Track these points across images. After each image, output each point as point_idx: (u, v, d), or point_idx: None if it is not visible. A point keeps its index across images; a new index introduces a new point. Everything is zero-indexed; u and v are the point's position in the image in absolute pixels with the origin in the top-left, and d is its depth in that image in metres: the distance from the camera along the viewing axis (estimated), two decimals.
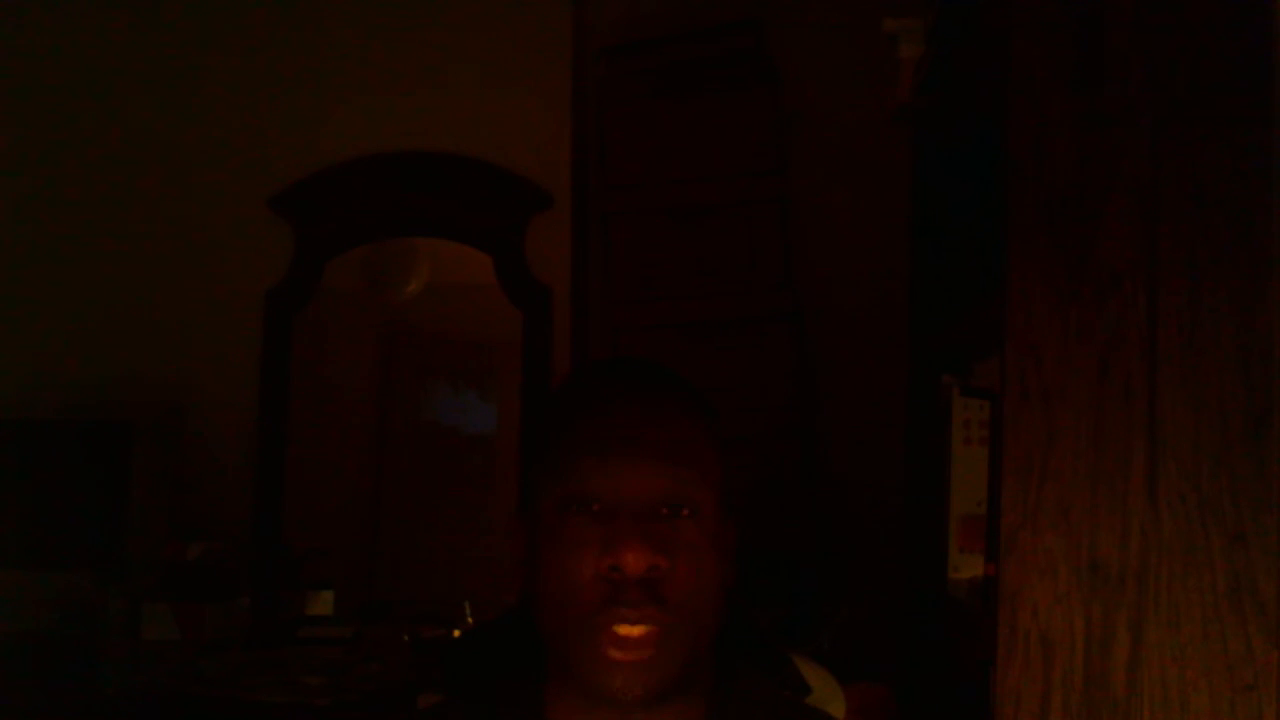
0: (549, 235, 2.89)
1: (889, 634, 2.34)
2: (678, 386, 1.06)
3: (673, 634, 0.96)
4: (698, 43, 2.81)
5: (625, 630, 0.94)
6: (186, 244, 2.99)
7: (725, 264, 2.71)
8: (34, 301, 3.00)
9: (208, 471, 2.92)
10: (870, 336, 2.69)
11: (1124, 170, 1.24)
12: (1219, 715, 1.19)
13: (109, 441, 2.80)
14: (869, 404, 2.70)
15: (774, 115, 2.74)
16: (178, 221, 2.99)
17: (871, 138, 2.62)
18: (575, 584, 0.96)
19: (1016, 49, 1.27)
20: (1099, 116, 1.24)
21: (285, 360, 2.94)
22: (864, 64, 2.38)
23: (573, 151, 2.90)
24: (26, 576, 2.70)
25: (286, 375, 2.94)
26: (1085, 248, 1.24)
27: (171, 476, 2.88)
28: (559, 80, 2.90)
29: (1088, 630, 1.21)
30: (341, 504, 3.10)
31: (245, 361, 2.94)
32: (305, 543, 2.90)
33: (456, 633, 2.64)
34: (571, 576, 0.96)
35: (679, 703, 1.00)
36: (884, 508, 2.50)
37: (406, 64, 2.95)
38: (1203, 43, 1.23)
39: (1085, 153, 1.25)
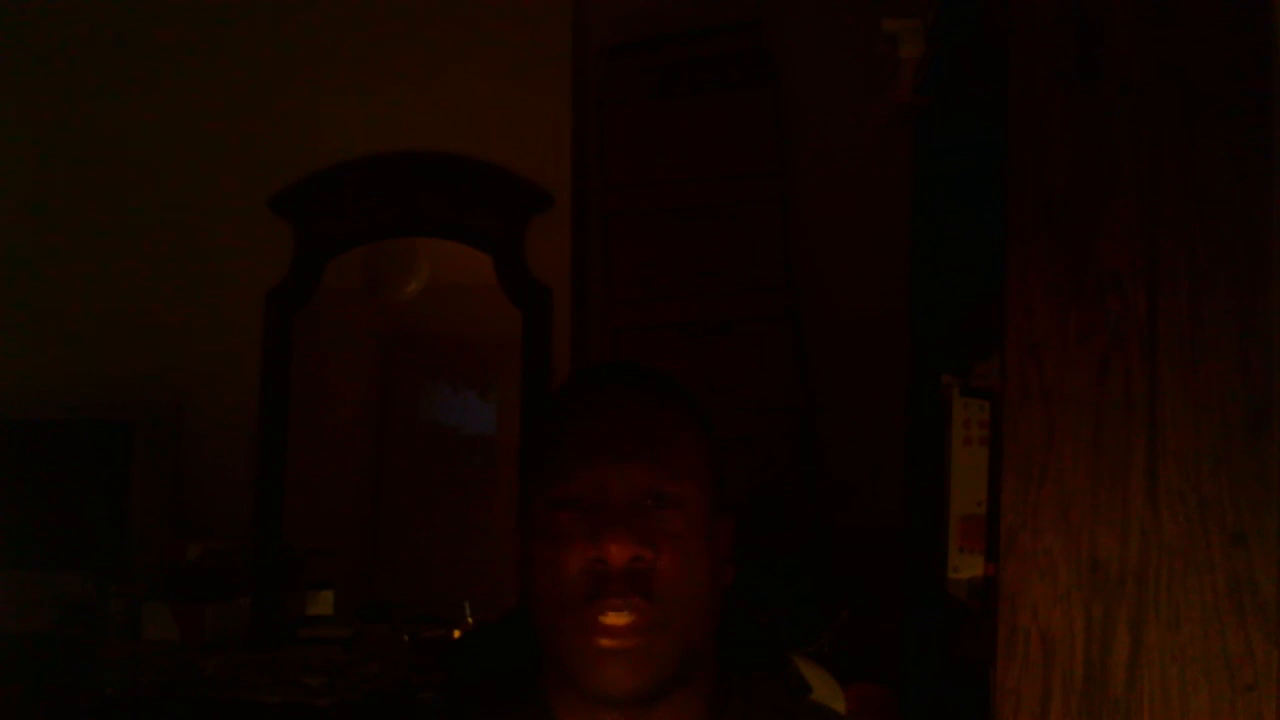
0: (549, 235, 2.89)
1: (889, 634, 2.34)
2: (663, 385, 1.07)
3: (660, 626, 0.96)
4: (698, 43, 2.81)
5: (613, 619, 0.95)
6: (186, 244, 2.99)
7: (725, 264, 2.71)
8: (34, 301, 3.00)
9: (208, 471, 2.92)
10: (870, 336, 2.69)
11: (1124, 170, 1.24)
12: (1219, 715, 1.19)
13: (109, 441, 2.80)
14: (869, 404, 2.70)
15: (774, 115, 2.75)
16: (178, 221, 2.99)
17: (871, 138, 2.62)
18: (563, 578, 0.97)
19: (1016, 49, 1.27)
20: (1099, 116, 1.24)
21: (285, 360, 2.94)
22: (864, 64, 2.38)
23: (573, 151, 2.90)
24: (26, 576, 2.70)
25: (286, 375, 2.93)
26: (1085, 248, 1.24)
27: (171, 476, 2.88)
28: (559, 80, 2.90)
29: (1088, 630, 1.21)
30: (341, 504, 3.10)
31: (245, 361, 2.94)
32: (305, 543, 2.90)
33: (456, 633, 2.64)
34: (559, 570, 0.98)
35: (679, 700, 1.00)
36: (884, 508, 2.50)
37: (406, 64, 2.95)
38: (1203, 43, 1.23)
39: (1085, 153, 1.25)
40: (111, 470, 2.79)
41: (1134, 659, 1.20)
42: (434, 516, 3.07)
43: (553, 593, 0.98)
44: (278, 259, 2.96)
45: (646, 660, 0.96)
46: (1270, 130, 1.22)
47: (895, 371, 2.39)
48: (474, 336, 3.12)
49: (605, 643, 0.96)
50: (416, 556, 3.04)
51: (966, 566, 1.66)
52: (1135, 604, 1.20)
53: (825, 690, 1.69)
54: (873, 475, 2.66)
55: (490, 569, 2.83)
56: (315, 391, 3.02)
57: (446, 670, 2.15)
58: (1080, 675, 1.21)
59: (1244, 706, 1.18)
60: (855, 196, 2.79)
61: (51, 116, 3.04)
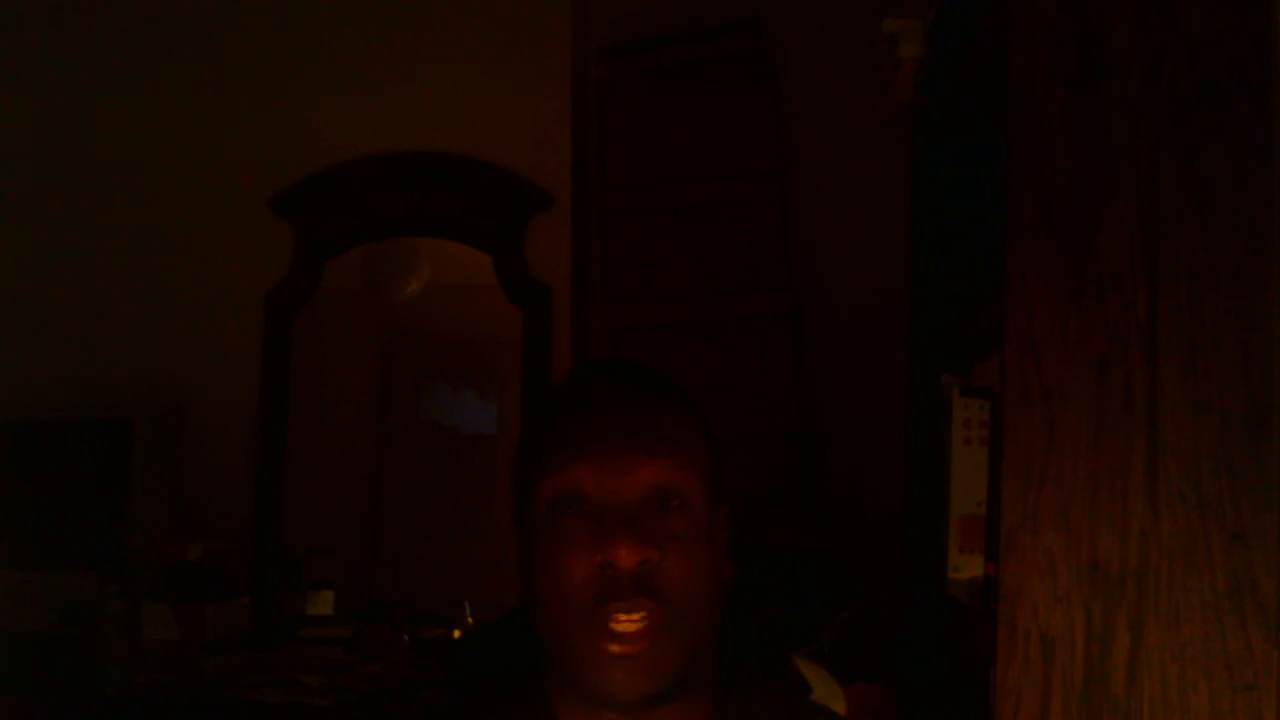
0: (549, 235, 2.89)
1: (889, 634, 2.34)
2: (659, 382, 1.07)
3: (669, 627, 0.96)
4: (698, 43, 2.81)
5: (622, 624, 0.95)
6: (186, 244, 2.99)
7: (725, 264, 2.71)
8: (34, 301, 3.00)
9: (208, 471, 2.92)
10: (870, 336, 2.69)
11: (1124, 170, 1.24)
12: (1219, 715, 1.19)
13: (109, 441, 2.80)
14: (869, 404, 2.70)
15: (774, 115, 2.75)
16: (178, 221, 2.99)
17: (871, 138, 2.62)
18: (570, 583, 0.97)
19: (1016, 49, 1.27)
20: (1099, 116, 1.24)
21: (285, 360, 2.94)
22: (864, 64, 2.38)
23: (573, 151, 2.90)
24: (26, 576, 2.70)
25: (286, 375, 2.93)
26: (1085, 248, 1.24)
27: (171, 476, 2.88)
28: (559, 80, 2.90)
29: (1088, 630, 1.21)
30: (341, 504, 3.10)
31: (245, 361, 2.94)
32: (305, 543, 2.90)
33: (457, 633, 2.64)
34: (566, 576, 0.97)
35: (683, 701, 1.00)
36: (884, 508, 2.50)
37: (406, 64, 2.94)
38: (1203, 43, 1.23)
39: (1085, 153, 1.25)
40: (111, 470, 2.79)
41: (1134, 659, 1.20)
42: (434, 516, 3.06)
43: (559, 597, 0.97)
44: (278, 259, 2.96)
45: (655, 663, 0.96)
46: (1270, 130, 1.22)
47: (895, 371, 2.39)
48: (474, 336, 3.12)
49: (614, 648, 0.96)
50: (416, 556, 3.04)
51: (966, 566, 1.66)
52: (1135, 604, 1.21)
53: (825, 690, 1.70)
54: (873, 475, 2.66)
55: (490, 569, 2.83)
56: (315, 392, 3.01)
57: (446, 670, 2.15)
58: (1080, 675, 1.21)
59: (1244, 706, 1.18)
60: (855, 197, 2.78)
61: (51, 117, 3.04)
